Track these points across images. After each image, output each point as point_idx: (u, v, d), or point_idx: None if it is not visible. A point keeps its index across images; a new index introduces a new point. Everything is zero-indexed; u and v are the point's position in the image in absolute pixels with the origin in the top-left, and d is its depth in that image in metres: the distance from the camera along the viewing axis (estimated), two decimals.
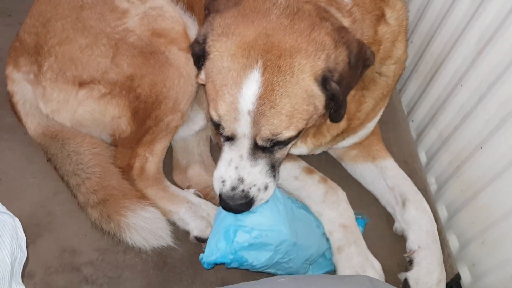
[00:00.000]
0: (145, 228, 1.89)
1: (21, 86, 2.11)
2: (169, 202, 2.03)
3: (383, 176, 2.11)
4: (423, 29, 2.31)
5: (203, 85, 2.17)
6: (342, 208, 1.93)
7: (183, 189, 2.16)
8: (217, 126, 1.67)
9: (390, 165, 2.12)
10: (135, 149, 2.04)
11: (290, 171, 2.05)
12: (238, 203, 1.69)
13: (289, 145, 1.73)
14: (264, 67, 1.53)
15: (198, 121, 2.26)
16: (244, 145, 1.64)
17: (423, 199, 1.97)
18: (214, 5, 1.72)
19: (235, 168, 1.68)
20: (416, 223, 1.92)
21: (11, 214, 1.46)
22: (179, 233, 2.01)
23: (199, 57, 1.71)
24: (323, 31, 1.58)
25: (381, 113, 2.08)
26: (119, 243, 1.95)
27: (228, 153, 1.68)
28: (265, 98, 1.53)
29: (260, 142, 1.62)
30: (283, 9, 1.61)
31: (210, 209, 2.04)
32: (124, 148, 2.07)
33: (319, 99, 1.60)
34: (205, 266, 1.71)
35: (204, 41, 1.66)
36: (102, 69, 1.96)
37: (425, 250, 1.85)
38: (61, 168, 2.04)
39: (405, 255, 1.91)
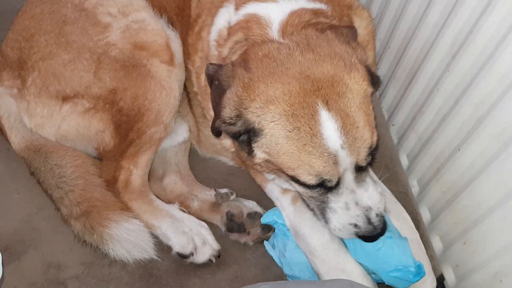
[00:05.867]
0: (128, 240, 1.89)
1: (4, 100, 2.12)
2: (152, 216, 2.02)
3: None
4: (400, 35, 2.36)
5: (186, 93, 2.24)
6: None
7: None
8: (313, 187, 1.63)
9: None
10: (119, 162, 2.05)
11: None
12: (381, 227, 1.67)
13: None
14: (326, 103, 1.53)
15: (182, 133, 2.28)
16: (349, 178, 1.61)
17: (403, 209, 1.98)
18: (221, 77, 1.67)
19: (356, 204, 1.65)
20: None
21: None
22: (164, 245, 2.01)
23: (240, 135, 1.67)
24: (339, 42, 1.65)
25: None
26: (104, 257, 1.95)
27: (338, 199, 1.65)
28: (347, 125, 1.54)
29: (362, 163, 1.61)
30: (298, 48, 1.62)
31: (193, 224, 2.03)
32: (109, 161, 2.08)
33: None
34: None
35: (239, 120, 1.62)
36: (85, 83, 1.98)
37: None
38: (44, 182, 2.04)
39: None
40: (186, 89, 2.22)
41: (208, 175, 2.30)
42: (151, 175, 2.20)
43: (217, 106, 1.68)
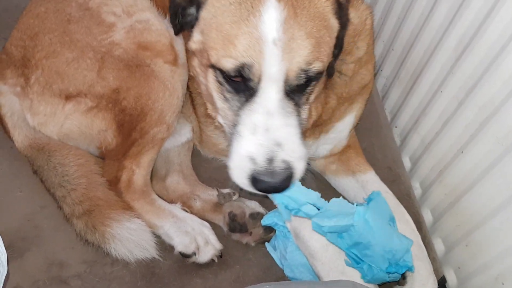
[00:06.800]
0: (130, 239, 1.88)
1: (8, 98, 2.11)
2: (155, 216, 2.02)
3: (364, 190, 2.09)
4: (404, 37, 2.37)
5: (189, 93, 2.24)
6: None
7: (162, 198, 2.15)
8: (232, 86, 1.45)
9: (371, 178, 2.10)
10: (121, 162, 2.05)
11: None
12: (282, 179, 1.38)
13: (311, 97, 1.54)
14: None
15: (185, 133, 2.28)
16: (271, 93, 1.38)
17: (405, 211, 1.97)
18: None
19: (266, 130, 1.38)
20: None
21: None
22: (166, 244, 2.01)
23: (183, 11, 1.56)
24: None
25: (350, 120, 2.08)
26: (107, 255, 1.94)
27: (249, 116, 1.41)
28: (290, 20, 1.37)
29: (293, 80, 1.39)
30: None
31: (196, 224, 2.03)
32: (111, 160, 2.08)
33: (334, 32, 1.51)
34: None
35: None
36: (88, 82, 1.98)
37: (414, 261, 1.82)
38: (47, 180, 2.04)
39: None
40: (189, 89, 2.22)
41: (210, 175, 2.30)
42: (153, 175, 2.21)
43: None
